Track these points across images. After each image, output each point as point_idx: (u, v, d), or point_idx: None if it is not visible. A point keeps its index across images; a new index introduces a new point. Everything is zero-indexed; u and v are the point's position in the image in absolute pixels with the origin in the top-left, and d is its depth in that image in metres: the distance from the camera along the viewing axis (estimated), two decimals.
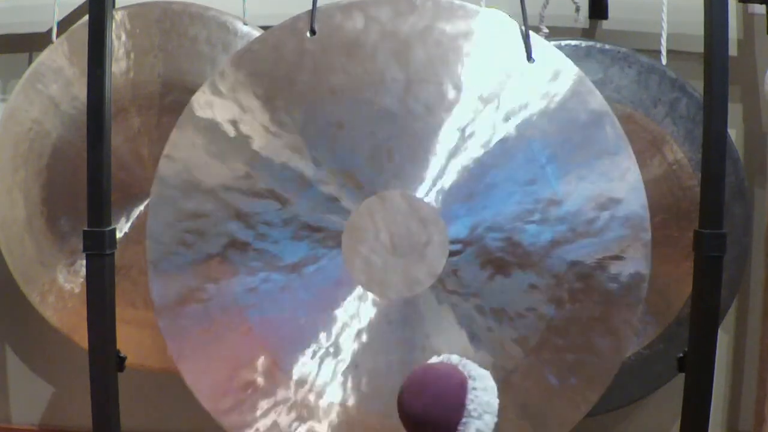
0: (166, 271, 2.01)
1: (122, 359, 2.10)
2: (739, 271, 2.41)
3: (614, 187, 1.97)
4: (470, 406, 1.67)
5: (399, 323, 2.01)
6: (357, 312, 2.01)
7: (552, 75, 1.98)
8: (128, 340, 2.19)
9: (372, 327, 2.01)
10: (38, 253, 2.47)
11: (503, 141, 1.97)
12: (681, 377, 2.14)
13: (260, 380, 2.02)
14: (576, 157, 1.97)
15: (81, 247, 2.06)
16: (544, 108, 1.97)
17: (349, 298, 2.01)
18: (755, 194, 2.57)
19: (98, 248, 2.04)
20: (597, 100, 1.98)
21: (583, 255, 1.97)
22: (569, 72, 1.99)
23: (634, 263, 1.97)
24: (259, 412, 2.03)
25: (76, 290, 2.46)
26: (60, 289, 2.48)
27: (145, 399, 2.68)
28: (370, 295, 2.00)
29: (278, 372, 2.03)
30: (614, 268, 1.97)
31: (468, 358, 1.71)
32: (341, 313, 2.01)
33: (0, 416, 2.78)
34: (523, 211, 1.97)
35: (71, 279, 2.47)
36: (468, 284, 1.99)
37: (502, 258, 1.98)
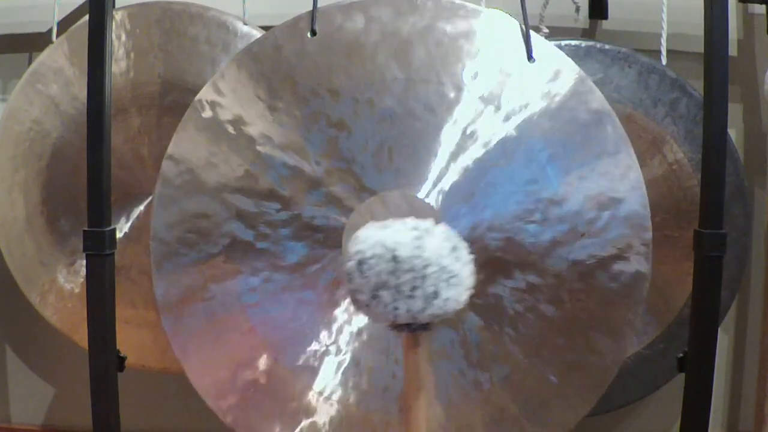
0: (170, 271, 2.00)
1: (122, 359, 2.10)
2: (739, 271, 2.41)
3: (615, 187, 1.96)
4: None
5: None
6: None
7: (552, 74, 1.97)
8: (128, 340, 2.19)
9: (372, 325, 2.01)
10: (38, 253, 2.47)
11: (504, 141, 1.97)
12: (681, 377, 2.14)
13: (262, 379, 2.02)
14: (577, 157, 1.96)
15: (81, 247, 2.05)
16: (544, 108, 1.96)
17: (350, 297, 2.00)
18: (755, 194, 2.57)
19: (98, 248, 2.04)
20: (598, 100, 1.97)
21: (584, 255, 1.97)
22: (570, 71, 1.98)
23: (635, 263, 1.97)
24: (261, 410, 2.03)
25: (76, 290, 2.46)
26: (60, 289, 2.47)
27: (145, 399, 2.68)
28: None
29: (280, 370, 2.03)
30: (616, 267, 1.96)
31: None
32: (342, 312, 2.01)
33: None
34: (524, 211, 1.97)
35: (71, 279, 2.47)
36: None
37: (502, 258, 1.98)
